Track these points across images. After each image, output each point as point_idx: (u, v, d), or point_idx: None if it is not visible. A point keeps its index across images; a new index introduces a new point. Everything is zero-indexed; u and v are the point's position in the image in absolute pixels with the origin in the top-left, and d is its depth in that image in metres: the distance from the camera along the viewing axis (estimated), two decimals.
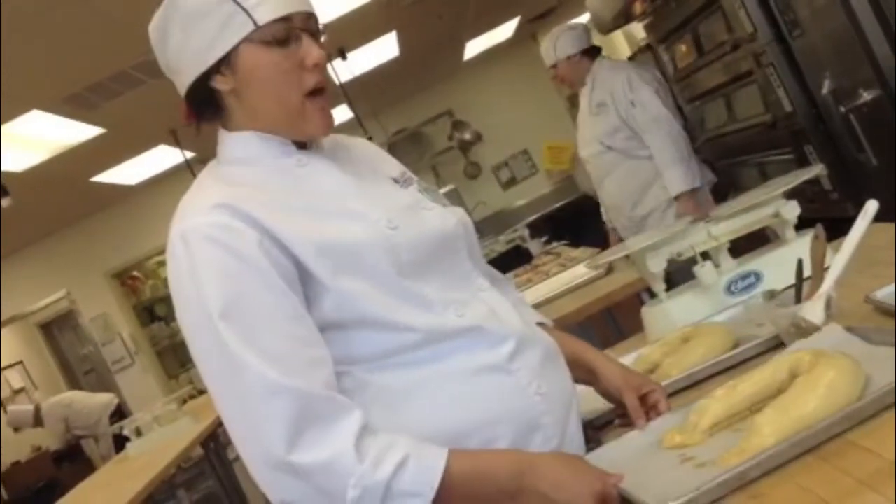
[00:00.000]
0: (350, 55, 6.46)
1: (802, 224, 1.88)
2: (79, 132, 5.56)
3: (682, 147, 3.71)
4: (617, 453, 1.30)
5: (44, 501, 7.24)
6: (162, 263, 9.11)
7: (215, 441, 5.03)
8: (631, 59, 5.98)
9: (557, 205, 9.74)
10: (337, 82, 6.53)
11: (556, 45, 3.91)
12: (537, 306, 2.33)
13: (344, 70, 6.51)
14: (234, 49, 1.25)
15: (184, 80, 1.31)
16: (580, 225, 8.57)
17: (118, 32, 4.20)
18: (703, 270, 1.84)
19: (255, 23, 1.24)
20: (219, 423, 4.85)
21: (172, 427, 4.71)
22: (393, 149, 9.79)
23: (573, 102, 9.99)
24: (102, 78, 4.81)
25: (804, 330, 1.36)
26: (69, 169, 6.14)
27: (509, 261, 4.37)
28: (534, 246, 4.79)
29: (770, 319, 1.54)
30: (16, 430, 7.97)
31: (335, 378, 1.18)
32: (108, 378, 9.14)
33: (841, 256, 1.40)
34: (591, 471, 1.16)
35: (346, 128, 7.77)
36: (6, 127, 4.77)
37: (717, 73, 4.26)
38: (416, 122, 10.35)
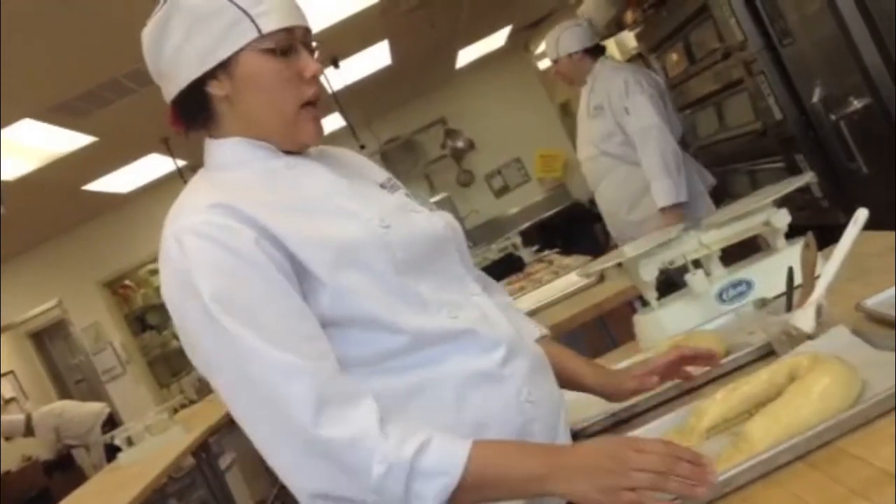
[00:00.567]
0: (342, 63, 6.47)
1: (793, 232, 1.89)
2: (70, 141, 5.55)
3: (670, 160, 3.66)
4: None
5: None
6: (154, 272, 9.10)
7: (207, 451, 5.01)
8: None
9: (550, 213, 9.76)
10: (329, 91, 6.53)
11: (559, 40, 3.86)
12: (530, 314, 2.33)
13: (336, 78, 6.52)
14: (235, 55, 1.26)
15: (176, 84, 1.31)
16: (572, 233, 8.60)
17: (109, 41, 4.19)
18: (695, 279, 1.85)
19: (259, 30, 1.25)
20: (211, 433, 4.83)
21: (164, 436, 4.69)
22: (386, 157, 9.80)
23: (566, 111, 10.05)
24: (94, 86, 4.81)
25: (795, 338, 1.37)
26: (61, 177, 6.12)
27: (502, 269, 4.36)
28: (526, 254, 4.79)
29: (761, 327, 1.54)
30: (7, 439, 7.92)
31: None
32: (100, 387, 9.11)
33: (831, 264, 1.40)
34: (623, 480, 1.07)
35: (338, 136, 7.77)
36: None
37: (708, 81, 4.27)
38: (408, 130, 10.36)
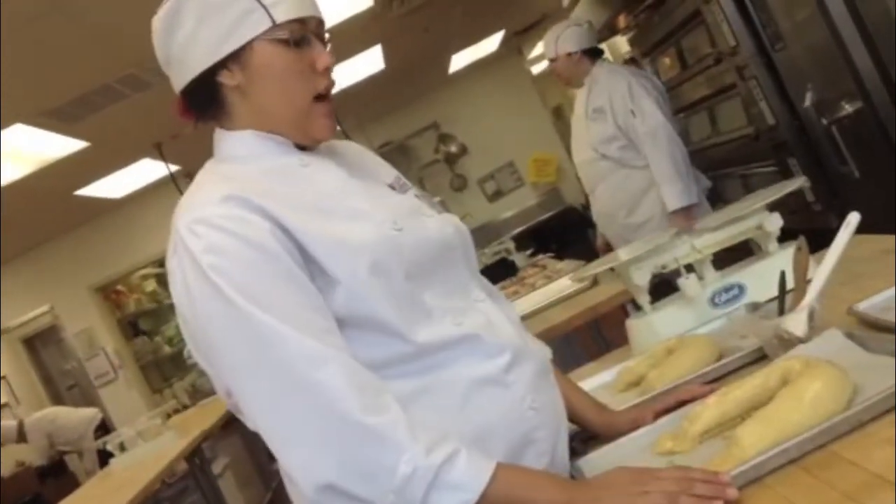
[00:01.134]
0: (336, 68, 6.43)
1: (785, 236, 1.89)
2: (62, 146, 5.54)
3: (679, 162, 3.64)
4: (609, 458, 1.31)
5: None
6: (147, 277, 9.09)
7: (200, 456, 5.00)
8: None
9: (543, 217, 9.77)
10: None
11: (558, 39, 3.83)
12: (524, 318, 2.33)
13: None
14: (248, 45, 1.25)
15: (187, 73, 1.29)
16: (566, 237, 8.60)
17: (102, 46, 4.20)
18: (688, 283, 1.85)
19: (272, 20, 1.24)
20: (204, 438, 4.82)
21: (157, 442, 4.67)
22: None
23: (558, 115, 10.07)
24: (86, 92, 4.79)
25: (787, 342, 1.37)
26: (53, 183, 6.11)
27: (495, 273, 4.36)
28: (519, 258, 4.79)
29: (753, 331, 1.55)
30: None
31: None
32: (92, 393, 9.08)
33: (823, 268, 1.40)
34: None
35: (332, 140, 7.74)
36: None
37: (701, 86, 4.29)
38: (402, 134, 10.36)
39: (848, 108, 2.85)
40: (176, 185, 6.63)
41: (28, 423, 7.49)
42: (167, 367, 9.33)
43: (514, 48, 9.82)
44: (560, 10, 6.66)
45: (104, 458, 5.45)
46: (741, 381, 1.25)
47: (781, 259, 1.73)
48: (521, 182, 10.68)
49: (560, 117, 9.73)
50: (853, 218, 1.43)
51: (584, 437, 1.51)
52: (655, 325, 1.89)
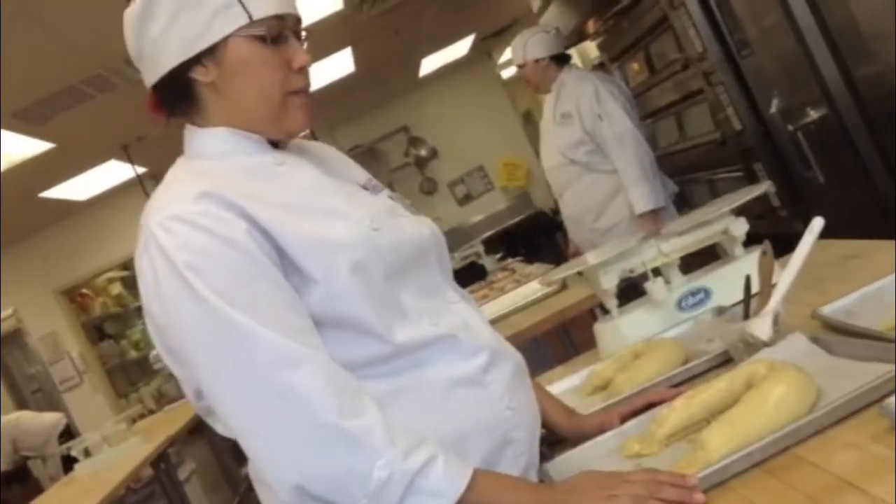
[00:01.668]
0: None
1: (751, 240, 1.90)
2: (28, 147, 5.47)
3: (646, 165, 3.68)
4: (577, 461, 1.31)
5: None
6: (112, 280, 9.00)
7: (166, 461, 4.95)
8: None
9: (513, 221, 9.79)
10: None
11: (525, 45, 3.85)
12: (493, 322, 2.33)
13: None
14: (224, 40, 1.23)
15: (159, 69, 1.27)
16: (535, 241, 8.64)
17: (67, 47, 4.15)
18: (655, 287, 1.86)
19: (249, 16, 1.23)
20: (170, 443, 4.78)
21: (122, 447, 4.63)
22: None
23: (528, 119, 10.09)
24: (52, 92, 4.74)
25: (752, 346, 1.38)
26: (18, 184, 6.03)
27: (465, 277, 4.35)
28: (489, 262, 4.80)
29: (719, 335, 1.56)
30: None
31: None
32: (57, 397, 8.97)
33: (788, 273, 1.42)
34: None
35: (303, 140, 7.72)
36: None
37: (669, 91, 4.32)
38: (371, 137, 10.35)
39: (813, 115, 2.88)
40: (143, 186, 6.57)
41: None
42: (133, 372, 9.25)
43: (484, 52, 9.85)
44: (530, 14, 6.68)
45: (68, 463, 5.38)
46: (707, 384, 1.26)
47: (747, 263, 1.75)
48: (491, 186, 10.70)
49: (530, 121, 9.76)
50: (817, 223, 1.44)
51: (552, 441, 1.51)
52: (623, 329, 1.89)
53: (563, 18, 5.15)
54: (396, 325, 1.22)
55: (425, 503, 1.09)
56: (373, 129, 10.36)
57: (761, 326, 1.39)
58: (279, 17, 1.25)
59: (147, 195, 1.32)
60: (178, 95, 1.29)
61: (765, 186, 2.04)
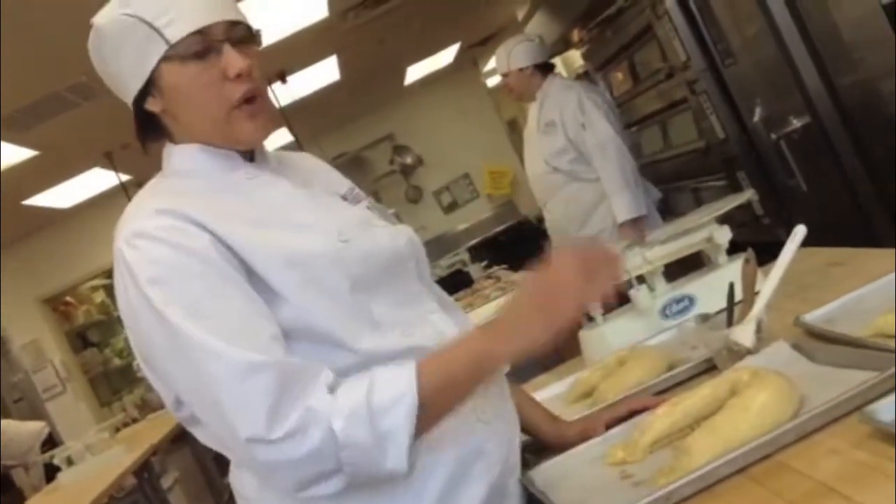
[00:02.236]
0: (290, 78, 6.44)
1: (735, 248, 1.91)
2: (11, 154, 5.44)
3: (629, 174, 3.69)
4: (561, 468, 1.31)
5: None
6: (96, 288, 8.96)
7: (149, 470, 4.92)
8: None
9: (498, 229, 9.79)
10: (277, 105, 6.50)
11: (509, 54, 3.86)
12: None
13: (284, 93, 6.48)
14: (157, 70, 1.23)
15: (126, 100, 1.30)
16: (521, 249, 8.63)
17: (51, 54, 4.13)
18: (639, 294, 1.86)
19: (167, 42, 1.22)
20: (153, 452, 4.75)
21: (105, 456, 4.59)
22: None
23: (513, 127, 10.11)
24: (35, 100, 4.72)
25: (736, 353, 1.38)
26: (1, 191, 5.99)
27: (450, 285, 4.35)
28: (474, 270, 4.81)
29: (703, 342, 1.57)
30: None
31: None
32: (39, 406, 8.90)
33: (771, 280, 1.42)
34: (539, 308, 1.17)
35: (286, 151, 7.70)
36: None
37: (653, 100, 4.35)
38: (357, 146, 10.33)
39: (796, 123, 2.90)
40: (127, 194, 6.54)
41: None
42: (116, 380, 9.19)
43: (469, 61, 9.86)
44: (515, 23, 6.71)
45: (51, 472, 5.34)
46: (691, 391, 1.26)
47: (730, 271, 1.75)
48: (476, 194, 10.70)
49: (515, 130, 9.77)
50: (800, 231, 1.45)
51: (536, 448, 1.51)
52: (607, 336, 1.90)
53: (547, 27, 5.17)
54: (365, 337, 1.23)
55: (394, 414, 1.10)
56: (358, 137, 10.35)
57: (745, 334, 1.40)
58: (200, 32, 1.23)
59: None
60: (146, 126, 1.32)
61: (748, 195, 2.06)
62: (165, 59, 1.22)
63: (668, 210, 4.26)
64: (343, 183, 1.45)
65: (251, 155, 1.34)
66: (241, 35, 1.27)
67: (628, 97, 4.65)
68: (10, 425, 7.59)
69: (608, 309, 1.97)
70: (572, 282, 1.14)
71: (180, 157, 1.31)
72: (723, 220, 1.91)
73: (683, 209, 4.17)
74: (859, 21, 2.50)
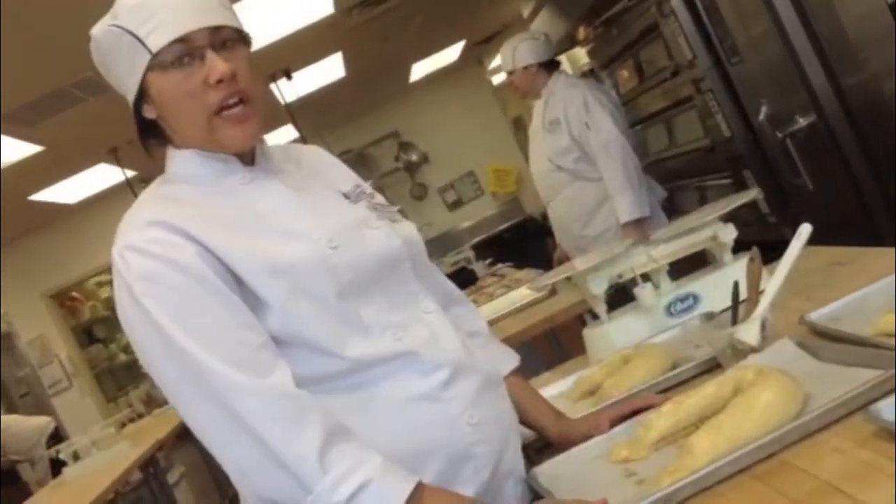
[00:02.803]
0: (295, 75, 6.44)
1: (740, 247, 1.91)
2: (17, 150, 5.45)
3: (632, 174, 3.66)
4: (565, 466, 1.31)
5: None
6: (102, 284, 8.97)
7: (155, 465, 4.94)
8: None
9: (502, 227, 9.79)
10: (282, 102, 6.50)
11: (514, 52, 3.82)
12: None
13: (289, 90, 6.49)
14: (145, 79, 1.26)
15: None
16: (525, 247, 8.63)
17: (57, 50, 4.14)
18: (643, 292, 1.86)
19: (149, 51, 1.23)
20: (159, 447, 4.77)
21: (111, 451, 4.61)
22: None
23: (518, 125, 10.10)
24: (41, 95, 4.73)
25: (740, 351, 1.39)
26: (6, 187, 6.00)
27: (454, 282, 4.35)
28: (479, 267, 4.81)
29: (707, 341, 1.56)
30: None
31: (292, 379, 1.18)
32: (45, 401, 8.93)
33: (776, 279, 1.43)
34: None
35: (294, 144, 7.71)
36: None
37: (658, 98, 4.33)
38: (362, 143, 10.34)
39: (801, 122, 2.90)
40: (132, 190, 6.56)
41: None
42: (122, 376, 9.21)
43: (474, 58, 9.85)
44: (520, 21, 6.70)
45: (57, 467, 5.36)
46: (695, 389, 1.27)
47: (735, 270, 1.76)
48: (481, 192, 10.70)
49: (520, 128, 9.77)
50: (805, 230, 1.45)
51: (539, 446, 1.51)
52: (611, 335, 1.90)
53: (553, 25, 5.17)
54: (353, 342, 1.24)
55: None
56: (363, 134, 10.36)
57: (749, 332, 1.40)
58: (182, 40, 1.23)
59: (136, 198, 1.35)
60: (147, 129, 1.34)
61: (753, 193, 2.06)
62: (151, 68, 1.24)
63: (673, 208, 4.25)
64: (348, 179, 1.45)
65: (252, 154, 1.34)
66: (227, 39, 1.27)
67: (634, 95, 4.64)
68: (16, 420, 7.61)
69: (613, 307, 1.97)
70: None
71: (178, 163, 1.33)
72: (728, 218, 1.91)
73: (688, 207, 4.16)
74: (865, 20, 2.50)
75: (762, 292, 1.45)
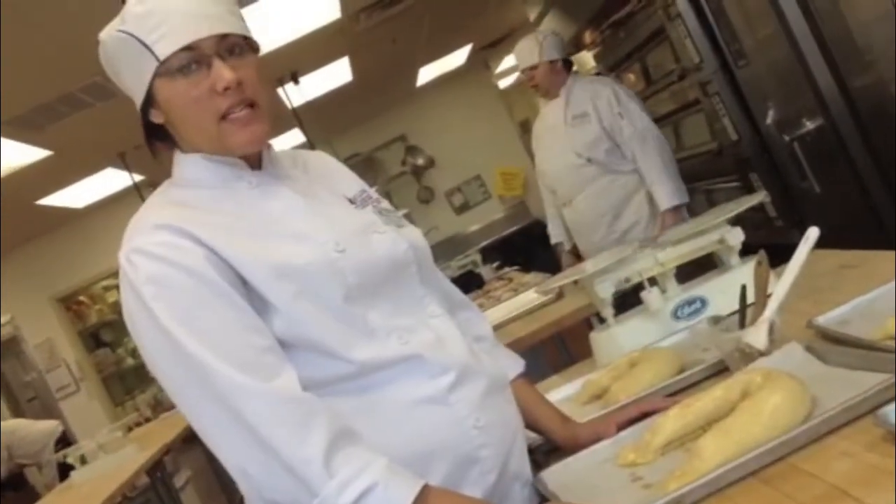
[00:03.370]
0: (303, 79, 6.45)
1: (748, 251, 1.91)
2: (24, 154, 5.47)
3: (668, 162, 3.65)
4: (572, 470, 1.31)
5: None
6: (109, 288, 8.98)
7: (162, 469, 4.94)
8: None
9: (509, 230, 9.79)
10: (289, 106, 6.51)
11: (542, 45, 3.75)
12: None
13: (296, 94, 6.50)
14: (152, 85, 1.27)
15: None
16: (532, 250, 8.63)
17: (64, 54, 4.15)
18: (651, 296, 1.86)
19: (157, 58, 1.24)
20: (166, 451, 4.77)
21: (118, 455, 4.61)
22: None
23: (525, 128, 10.10)
24: (49, 100, 4.75)
25: (748, 355, 1.38)
26: (14, 191, 6.02)
27: (461, 286, 4.33)
28: (486, 271, 4.80)
29: (715, 344, 1.56)
30: None
31: (298, 382, 1.18)
32: (53, 405, 8.95)
33: (783, 282, 1.42)
34: None
35: (300, 150, 7.71)
36: None
37: (665, 101, 4.34)
38: (369, 146, 10.35)
39: (809, 125, 2.89)
40: (140, 194, 6.57)
41: None
42: (130, 379, 9.22)
43: (481, 62, 9.86)
44: (527, 24, 6.70)
45: (64, 471, 5.36)
46: (703, 393, 1.26)
47: (743, 273, 1.75)
48: (488, 195, 10.71)
49: (527, 131, 9.74)
50: (812, 233, 1.45)
51: (547, 450, 1.51)
52: (619, 338, 1.90)
53: (559, 29, 5.16)
54: (360, 345, 1.24)
55: None
56: (370, 137, 10.37)
57: (757, 336, 1.39)
58: (189, 48, 1.24)
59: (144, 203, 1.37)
60: (154, 133, 1.35)
61: (760, 196, 2.05)
62: (158, 74, 1.25)
63: None
64: (353, 184, 1.46)
65: (259, 159, 1.35)
66: (235, 46, 1.28)
67: (641, 98, 4.63)
68: (24, 424, 7.63)
69: (619, 311, 1.97)
70: None
71: (186, 166, 1.34)
72: (735, 221, 1.90)
73: (697, 210, 4.15)
74: (872, 23, 2.49)
75: (770, 296, 1.45)
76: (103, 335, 9.34)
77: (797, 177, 3.05)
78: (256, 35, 1.34)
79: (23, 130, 5.03)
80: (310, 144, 6.87)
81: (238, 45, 1.28)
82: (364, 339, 1.25)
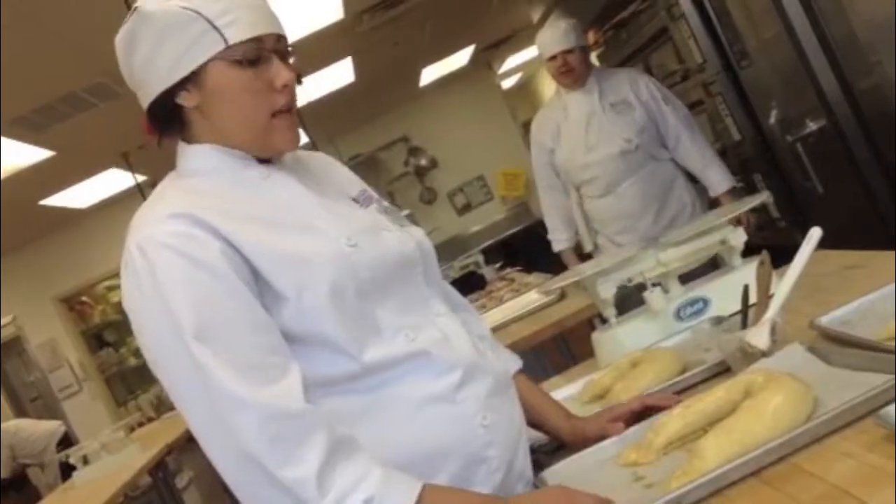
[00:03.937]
0: (306, 80, 6.34)
1: (750, 251, 1.91)
2: (28, 155, 5.48)
3: (712, 147, 3.59)
4: (573, 469, 1.31)
5: None
6: (112, 288, 8.99)
7: (164, 469, 4.94)
8: None
9: (512, 231, 9.80)
10: None
11: (574, 31, 3.60)
12: (491, 331, 2.32)
13: (299, 95, 6.45)
14: (204, 66, 1.24)
15: (148, 94, 1.29)
16: (534, 251, 8.63)
17: (68, 54, 4.16)
18: (653, 296, 1.86)
19: (225, 41, 1.23)
20: (168, 451, 4.77)
21: (120, 455, 4.61)
22: None
23: (527, 129, 10.07)
24: (52, 100, 4.75)
25: (750, 355, 1.38)
26: (18, 192, 6.03)
27: (463, 286, 4.35)
28: (488, 272, 4.80)
29: (717, 345, 1.56)
30: None
31: (302, 386, 1.17)
32: (55, 405, 8.96)
33: (786, 283, 1.42)
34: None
35: (302, 151, 7.71)
36: None
37: None
38: (371, 147, 10.36)
39: (812, 126, 2.89)
40: (143, 195, 6.57)
41: None
42: (132, 380, 9.24)
43: (483, 63, 9.86)
44: (530, 26, 6.71)
45: (67, 471, 5.37)
46: (705, 393, 1.26)
47: (745, 274, 1.75)
48: (490, 196, 10.71)
49: (530, 132, 9.76)
50: (815, 233, 1.45)
51: (549, 449, 1.51)
52: (621, 338, 1.89)
53: None
54: (368, 343, 1.23)
55: None
56: (373, 138, 10.38)
57: (759, 336, 1.39)
58: (257, 39, 1.25)
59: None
60: (168, 119, 1.31)
61: (762, 197, 2.05)
62: (218, 58, 1.24)
63: None
64: (355, 185, 1.46)
65: (266, 157, 1.35)
66: (284, 50, 1.31)
67: None
68: (27, 424, 7.64)
69: (621, 311, 1.96)
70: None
71: (194, 157, 1.32)
72: (738, 221, 1.90)
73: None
74: (876, 24, 2.49)
75: (772, 296, 1.44)
76: (106, 335, 9.36)
77: (800, 177, 3.05)
78: None
79: (26, 131, 5.04)
80: (313, 145, 6.87)
81: (287, 50, 1.31)
82: (372, 335, 1.24)
